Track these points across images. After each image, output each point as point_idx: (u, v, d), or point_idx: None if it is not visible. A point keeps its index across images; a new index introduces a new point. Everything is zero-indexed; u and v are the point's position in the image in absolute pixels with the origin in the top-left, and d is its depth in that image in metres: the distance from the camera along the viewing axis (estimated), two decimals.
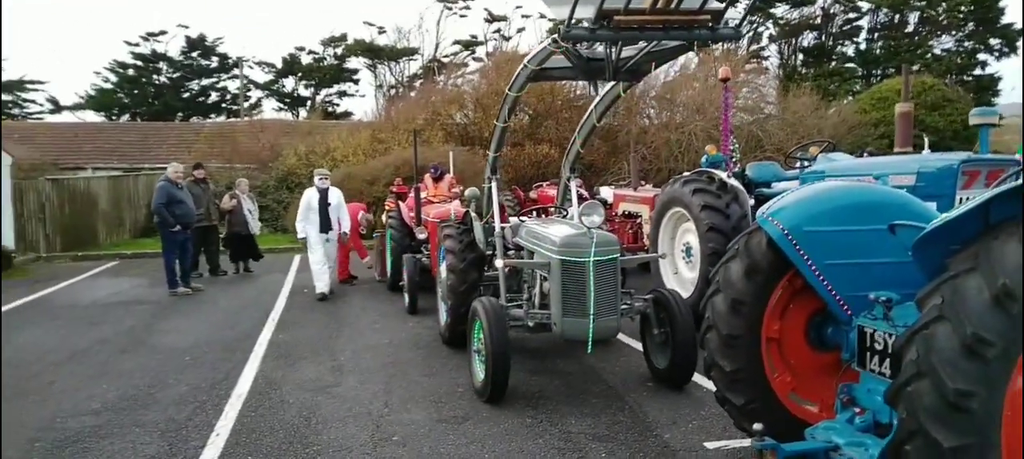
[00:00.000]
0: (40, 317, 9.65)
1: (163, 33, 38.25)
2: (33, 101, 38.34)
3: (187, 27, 40.19)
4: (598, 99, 6.42)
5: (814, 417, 4.10)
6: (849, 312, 3.85)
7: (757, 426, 3.53)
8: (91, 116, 37.93)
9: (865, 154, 10.09)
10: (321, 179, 10.78)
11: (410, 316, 9.06)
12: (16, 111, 37.88)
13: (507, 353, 5.44)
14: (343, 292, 11.06)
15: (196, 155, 25.80)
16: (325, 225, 10.62)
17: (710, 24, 4.45)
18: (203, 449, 4.81)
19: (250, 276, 13.16)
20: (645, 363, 6.29)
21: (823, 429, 3.68)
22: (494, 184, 7.18)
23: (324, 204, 10.64)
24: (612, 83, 6.08)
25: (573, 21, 4.28)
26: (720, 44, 35.83)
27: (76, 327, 8.85)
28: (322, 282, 10.47)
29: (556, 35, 4.60)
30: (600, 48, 5.01)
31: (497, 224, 7.00)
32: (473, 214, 7.43)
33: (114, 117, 38.08)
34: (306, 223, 10.63)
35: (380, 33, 37.46)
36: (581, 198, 12.16)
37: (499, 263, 6.08)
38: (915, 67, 29.35)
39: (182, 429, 5.19)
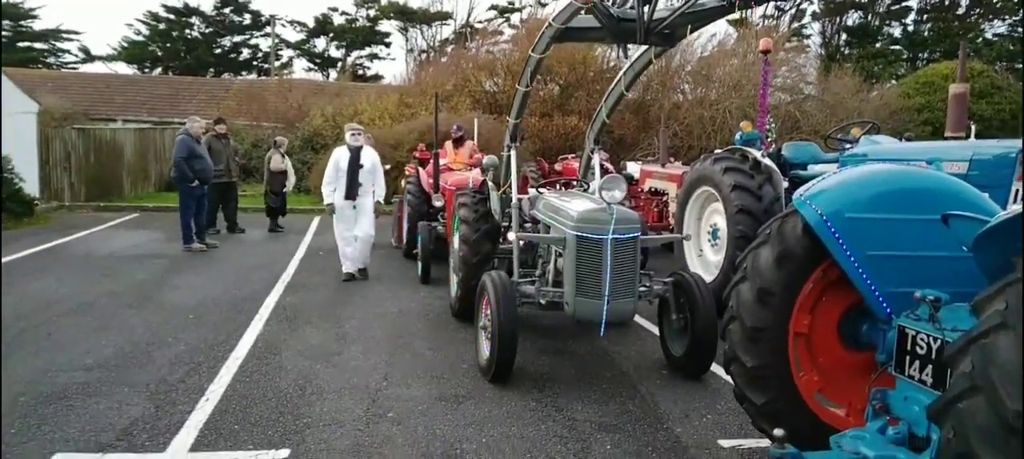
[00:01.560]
0: (54, 265, 9.56)
1: None
2: (68, 51, 38.66)
3: None
4: (628, 65, 6.01)
5: (841, 422, 3.73)
6: (889, 310, 3.45)
7: (778, 432, 3.18)
8: (123, 68, 38.15)
9: (903, 139, 9.54)
10: (353, 135, 8.94)
11: (422, 285, 8.80)
12: (51, 60, 38.23)
13: (515, 331, 5.13)
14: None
15: (225, 111, 25.77)
16: (352, 190, 8.82)
17: None
18: (190, 414, 4.59)
19: (273, 235, 13.05)
20: (661, 350, 5.95)
21: (851, 438, 3.32)
22: (513, 152, 6.83)
23: (354, 166, 8.78)
24: (644, 48, 5.67)
25: None
26: (761, 17, 34.85)
27: (88, 278, 8.74)
28: (349, 260, 9.00)
29: None
30: (632, 7, 4.60)
31: (515, 194, 6.66)
32: (490, 183, 7.11)
33: (146, 70, 38.24)
34: (333, 188, 8.93)
35: None
36: (606, 172, 11.79)
37: (512, 236, 5.75)
38: None
39: (172, 391, 4.98)
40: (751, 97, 22.37)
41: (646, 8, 4.49)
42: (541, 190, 6.74)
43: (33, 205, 14.47)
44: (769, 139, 9.83)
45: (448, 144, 11.60)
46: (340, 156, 8.90)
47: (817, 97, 24.88)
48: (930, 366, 3.13)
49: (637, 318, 7.07)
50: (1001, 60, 29.51)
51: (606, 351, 6.23)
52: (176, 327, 6.64)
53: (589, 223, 5.15)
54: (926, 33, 32.67)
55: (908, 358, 3.28)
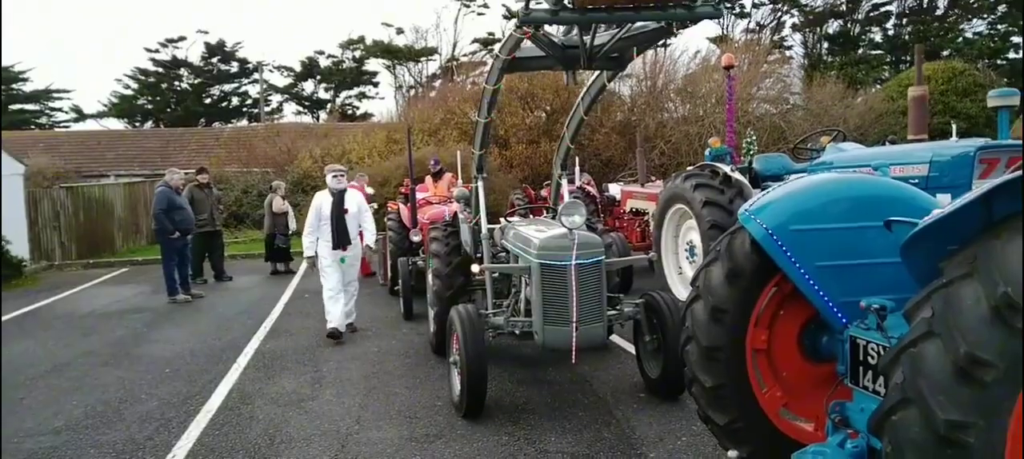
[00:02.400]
0: (34, 327, 9.51)
1: (182, 39, 38.63)
2: (60, 110, 38.92)
3: (206, 33, 40.63)
4: (584, 91, 6.02)
5: (808, 436, 3.66)
6: (845, 320, 3.40)
7: (732, 453, 3.12)
8: (114, 123, 38.39)
9: (887, 143, 9.53)
10: (335, 177, 8.00)
11: (405, 322, 8.74)
12: (43, 120, 38.47)
13: (483, 365, 5.06)
14: None
15: (215, 160, 25.91)
16: (340, 240, 7.84)
17: (686, 1, 4.02)
18: None
19: (262, 279, 13.04)
20: (639, 372, 5.88)
21: (811, 454, 3.24)
22: (481, 184, 6.81)
23: (339, 211, 7.82)
24: (597, 73, 5.68)
25: (532, 3, 3.89)
26: (743, 32, 35.13)
27: (66, 338, 8.68)
28: (334, 315, 7.83)
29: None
30: (574, 35, 4.62)
31: (484, 226, 6.64)
32: (461, 216, 7.08)
33: (137, 124, 38.47)
34: (316, 237, 7.95)
35: (398, 34, 37.42)
36: (589, 195, 11.78)
37: (475, 268, 5.71)
38: (945, 52, 28.35)
39: (139, 450, 4.91)
40: (738, 112, 22.45)
41: (586, 36, 4.50)
42: (509, 219, 6.71)
43: (21, 267, 14.46)
44: (750, 153, 9.83)
45: (428, 178, 11.61)
46: (322, 202, 7.94)
47: (802, 106, 24.99)
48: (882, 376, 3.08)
49: (617, 340, 7.02)
50: (982, 58, 29.65)
51: (584, 377, 6.16)
52: (151, 382, 6.58)
53: (551, 250, 5.12)
54: (906, 36, 32.88)
55: (862, 368, 3.23)
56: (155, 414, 5.66)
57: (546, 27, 4.64)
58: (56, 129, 36.57)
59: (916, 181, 5.38)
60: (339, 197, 7.91)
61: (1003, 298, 2.06)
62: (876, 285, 3.27)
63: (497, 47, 5.33)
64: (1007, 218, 2.21)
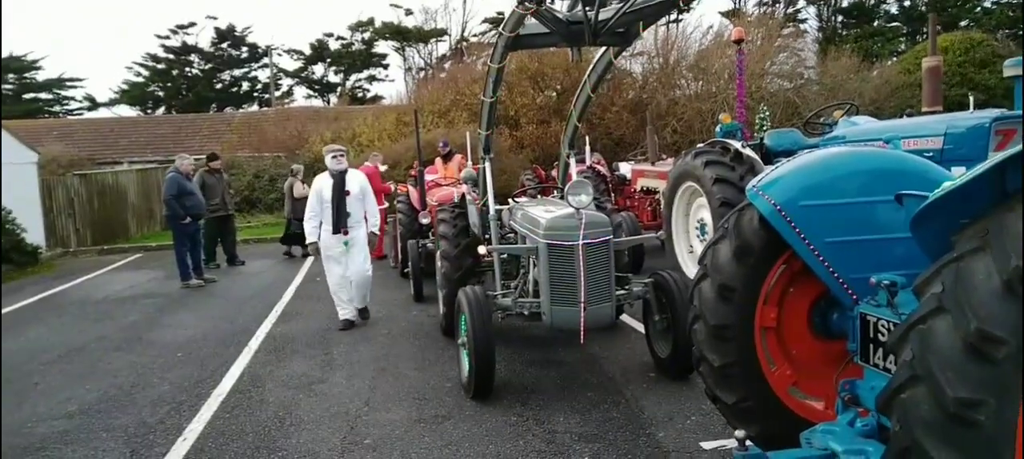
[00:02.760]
0: (49, 313, 9.60)
1: (192, 25, 38.71)
2: (73, 98, 39.16)
3: (216, 18, 40.72)
4: (590, 68, 5.94)
5: (818, 415, 3.61)
6: (855, 297, 3.34)
7: (739, 433, 3.07)
8: (127, 111, 38.59)
9: (904, 116, 9.38)
10: (335, 157, 7.61)
11: (415, 304, 8.75)
12: (57, 109, 38.74)
13: (491, 347, 5.05)
14: None
15: (226, 145, 26.01)
16: (339, 222, 7.45)
17: None
18: (165, 456, 4.55)
19: (275, 262, 13.11)
20: (648, 351, 5.84)
21: (821, 433, 3.19)
22: (488, 164, 6.75)
23: (339, 193, 7.42)
24: (602, 49, 5.60)
25: None
26: (755, 6, 34.61)
27: (79, 323, 8.76)
28: (345, 305, 7.64)
29: None
30: (579, 10, 4.54)
31: (492, 207, 6.59)
32: (469, 197, 7.05)
33: (149, 110, 38.65)
34: (319, 221, 7.57)
35: (407, 15, 37.28)
36: (599, 175, 11.70)
37: (482, 250, 5.68)
38: (963, 22, 27.82)
39: (150, 433, 4.94)
40: (751, 87, 22.20)
41: (590, 10, 4.42)
42: (517, 200, 6.67)
43: (37, 254, 14.60)
44: (764, 128, 9.71)
45: (438, 160, 11.57)
46: (322, 184, 7.55)
47: (817, 81, 24.68)
48: (891, 353, 3.02)
49: (627, 319, 6.98)
50: (1001, 28, 29.10)
51: (594, 357, 6.14)
52: (163, 366, 6.62)
53: (558, 230, 5.08)
54: (923, 7, 32.31)
55: (872, 346, 3.17)
56: (167, 397, 5.70)
57: (550, 2, 4.57)
58: (69, 118, 36.80)
59: (930, 154, 5.27)
60: (340, 178, 7.50)
61: (1016, 272, 1.99)
62: (887, 261, 3.20)
63: (502, 25, 5.26)
64: (1021, 190, 2.14)
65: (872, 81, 23.16)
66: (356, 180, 7.71)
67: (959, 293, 2.14)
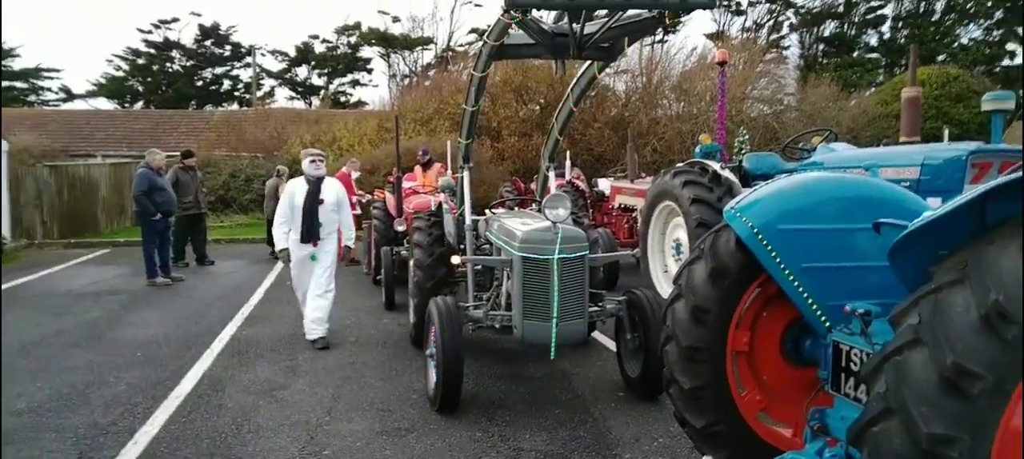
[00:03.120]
0: (8, 306, 9.29)
1: (175, 20, 38.18)
2: (49, 88, 38.48)
3: (200, 15, 40.21)
4: (574, 82, 5.88)
5: (786, 442, 3.56)
6: (828, 324, 3.28)
7: (707, 458, 3.00)
8: (104, 104, 37.99)
9: (882, 145, 9.45)
10: (313, 162, 7.02)
11: (386, 312, 8.61)
12: (33, 98, 38.04)
13: (460, 360, 4.93)
14: None
15: (204, 143, 25.65)
16: (309, 233, 6.89)
17: None
18: None
19: (243, 264, 12.88)
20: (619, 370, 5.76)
21: None
22: (466, 174, 6.66)
23: (313, 202, 6.89)
24: (586, 63, 5.55)
25: None
26: (740, 31, 35.03)
27: (39, 318, 8.49)
28: (315, 323, 7.01)
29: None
30: (564, 23, 4.48)
31: (468, 217, 6.49)
32: (446, 205, 6.95)
33: (127, 105, 38.07)
34: (288, 229, 7.00)
35: (394, 21, 37.19)
36: (578, 190, 11.66)
37: (456, 260, 5.58)
38: (941, 57, 28.32)
39: (101, 435, 4.75)
40: (731, 110, 22.37)
41: (576, 24, 4.36)
42: (494, 211, 6.58)
43: (1, 245, 14.21)
44: (742, 151, 9.71)
45: (417, 167, 11.47)
46: (296, 189, 6.99)
47: (796, 107, 24.95)
48: (864, 384, 2.96)
49: (599, 336, 6.90)
50: (977, 64, 29.65)
51: (565, 373, 6.04)
52: (120, 366, 6.41)
53: (534, 243, 4.99)
54: (902, 40, 32.84)
55: (843, 375, 3.12)
56: (122, 398, 5.51)
57: (535, 13, 4.50)
58: (44, 108, 36.14)
59: (907, 184, 5.26)
60: (315, 185, 6.94)
61: (994, 306, 1.94)
62: (862, 289, 3.15)
63: (486, 33, 5.18)
64: (1001, 223, 2.09)
65: (850, 110, 23.46)
66: (332, 189, 7.13)
67: (936, 325, 2.08)
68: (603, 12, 4.35)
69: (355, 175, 12.78)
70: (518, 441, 4.59)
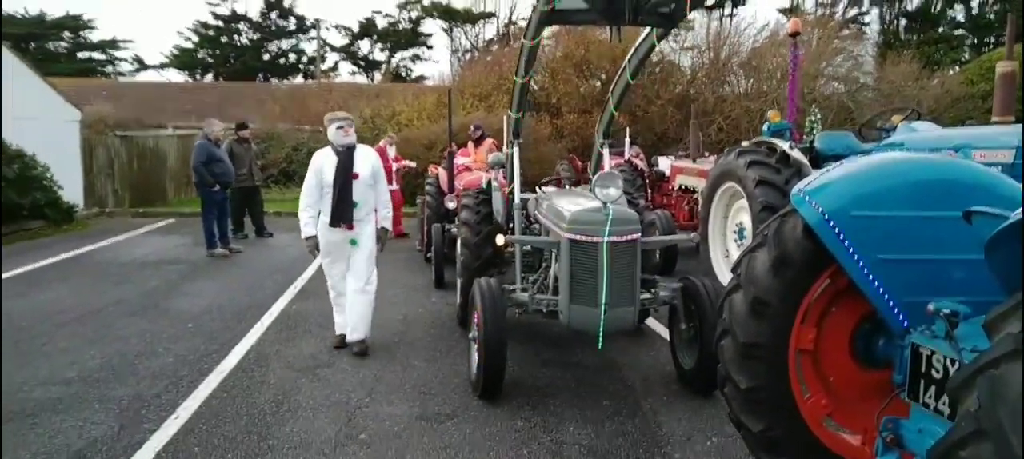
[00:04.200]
0: (74, 273, 9.58)
1: None
2: (124, 59, 39.89)
3: None
4: (632, 51, 5.55)
5: (854, 451, 3.24)
6: (906, 324, 2.93)
7: None
8: (175, 75, 39.15)
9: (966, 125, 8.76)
10: (340, 127, 5.86)
11: (435, 290, 8.48)
12: (109, 69, 39.51)
13: (503, 345, 4.72)
14: (378, 260, 10.52)
15: (268, 115, 26.09)
16: (341, 213, 5.77)
17: None
18: (153, 433, 4.34)
19: (297, 238, 12.91)
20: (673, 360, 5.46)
21: None
22: (516, 150, 6.41)
23: (345, 175, 5.75)
24: (645, 31, 5.21)
25: None
26: (816, 4, 33.46)
27: (100, 285, 8.69)
28: (357, 322, 6.03)
29: None
30: None
31: (517, 195, 6.26)
32: (495, 184, 6.72)
33: (197, 77, 39.14)
34: (317, 211, 5.91)
35: None
36: (636, 169, 11.27)
37: (500, 240, 5.36)
38: None
39: (144, 407, 4.75)
40: (804, 87, 21.42)
41: None
42: (544, 189, 6.33)
43: (73, 212, 14.73)
44: (815, 130, 9.18)
45: (470, 144, 11.29)
46: (323, 162, 5.85)
47: (873, 86, 23.75)
48: (949, 397, 2.61)
49: (653, 324, 6.61)
50: None
51: (615, 362, 5.78)
52: (171, 337, 6.46)
53: (583, 224, 4.72)
54: (991, 15, 30.83)
55: (923, 382, 2.77)
56: (168, 371, 5.52)
57: None
58: (120, 79, 37.48)
59: (1000, 167, 4.77)
60: (347, 156, 5.81)
61: None
62: (948, 286, 2.81)
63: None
64: None
65: (932, 89, 22.17)
66: (367, 160, 5.98)
67: None
68: None
69: (392, 149, 12.69)
70: (561, 433, 4.36)
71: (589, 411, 4.73)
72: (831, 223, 2.96)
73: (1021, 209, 2.03)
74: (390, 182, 12.60)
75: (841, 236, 2.94)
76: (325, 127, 6.06)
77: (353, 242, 5.98)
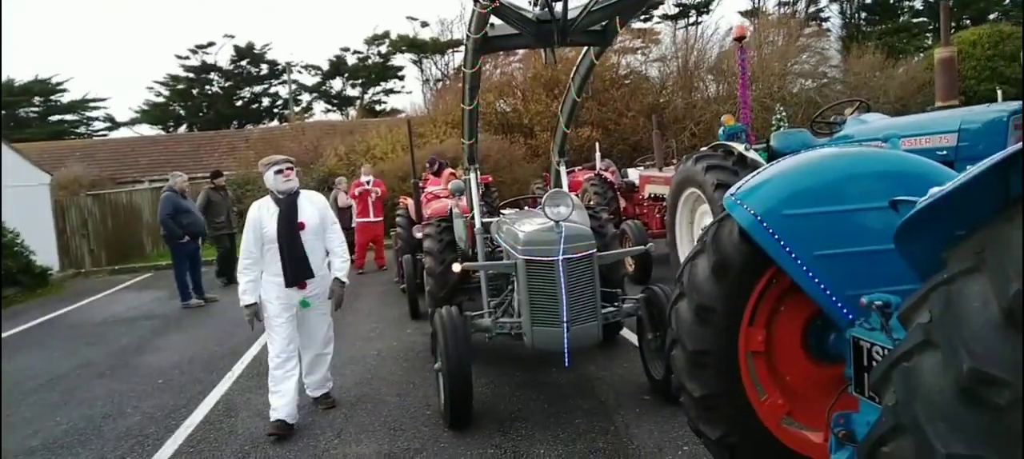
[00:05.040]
0: (45, 337, 9.46)
1: (211, 44, 38.96)
2: (96, 118, 39.71)
3: (234, 37, 40.84)
4: (574, 69, 5.58)
5: (817, 449, 3.20)
6: (851, 317, 2.93)
7: None
8: (148, 130, 39.02)
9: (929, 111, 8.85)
10: (279, 172, 5.08)
11: (411, 322, 8.42)
12: (82, 130, 39.30)
13: (467, 373, 4.68)
14: (357, 294, 10.48)
15: (243, 161, 26.01)
16: (297, 272, 5.03)
17: None
18: None
19: None
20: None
21: None
22: (473, 176, 6.41)
23: (290, 226, 5.01)
24: (584, 49, 5.24)
25: None
26: (776, 5, 33.91)
27: (70, 348, 8.57)
28: (317, 381, 5.51)
29: None
30: (545, 8, 4.19)
31: (478, 220, 6.25)
32: (456, 210, 6.71)
33: (171, 129, 39.03)
34: (258, 272, 5.11)
35: (423, 26, 37.24)
36: (606, 182, 11.31)
37: (456, 267, 5.34)
38: (992, 16, 26.91)
39: None
40: (772, 87, 21.65)
41: (558, 6, 4.07)
42: (503, 212, 6.32)
43: (47, 275, 14.57)
44: (781, 128, 9.26)
45: (430, 176, 11.37)
46: (262, 214, 5.06)
47: (840, 80, 24.06)
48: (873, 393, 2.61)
49: (628, 334, 6.58)
50: None
51: (588, 377, 5.74)
52: (140, 394, 6.36)
53: (537, 245, 4.71)
54: (950, 0, 31.35)
55: (867, 375, 2.76)
56: (135, 430, 5.42)
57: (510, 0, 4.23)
58: (93, 138, 37.28)
59: (944, 153, 4.82)
60: (289, 204, 5.07)
61: (1017, 298, 1.59)
62: (885, 276, 2.80)
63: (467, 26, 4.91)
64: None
65: (898, 78, 22.48)
66: (313, 205, 5.24)
67: (950, 323, 1.74)
68: None
69: (366, 179, 12.69)
70: (533, 456, 4.32)
71: (561, 431, 4.68)
72: (764, 224, 2.95)
73: (928, 196, 2.03)
74: (379, 215, 12.61)
75: (775, 236, 2.94)
76: (261, 173, 5.27)
77: (304, 303, 5.16)
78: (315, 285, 5.20)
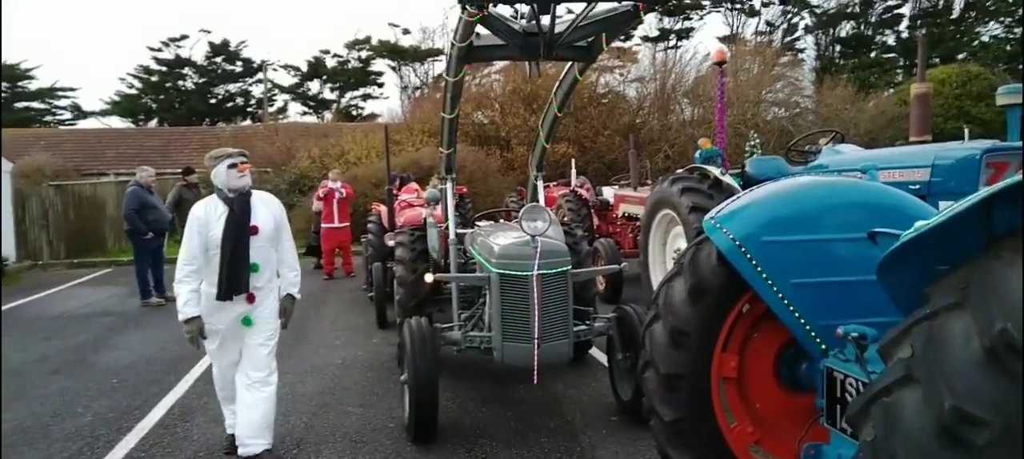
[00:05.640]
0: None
1: (185, 38, 38.38)
2: (64, 109, 38.87)
3: (209, 32, 40.14)
4: (556, 84, 5.55)
5: None
6: (825, 347, 2.92)
7: None
8: (118, 122, 38.27)
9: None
10: (233, 166, 4.32)
11: (378, 331, 8.29)
12: (49, 118, 38.42)
13: (434, 386, 4.58)
14: (323, 300, 10.32)
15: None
16: (234, 281, 4.25)
17: None
18: None
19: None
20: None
21: None
22: (449, 185, 6.33)
23: (240, 231, 4.27)
24: (567, 64, 5.21)
25: None
26: (754, 34, 34.49)
27: (25, 342, 8.27)
28: (254, 430, 4.39)
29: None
30: (546, 20, 4.16)
31: (452, 231, 6.16)
32: (430, 220, 6.63)
33: (141, 122, 38.34)
34: (199, 281, 4.30)
35: (404, 34, 37.10)
36: (581, 199, 11.30)
37: (429, 278, 5.25)
38: (961, 55, 27.60)
39: None
40: (746, 114, 21.93)
41: (545, 19, 4.05)
42: (478, 224, 6.25)
43: (2, 266, 14.12)
44: (755, 155, 9.32)
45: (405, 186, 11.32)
46: (208, 215, 4.31)
47: (812, 110, 24.45)
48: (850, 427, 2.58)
49: (597, 353, 6.55)
50: (999, 61, 28.90)
51: (556, 395, 5.68)
52: (94, 394, 6.15)
53: (511, 259, 4.65)
54: (917, 36, 32.16)
55: (839, 407, 2.74)
56: (85, 431, 5.23)
57: (502, 10, 4.19)
58: (59, 128, 36.47)
59: (917, 187, 4.87)
60: (242, 205, 4.34)
61: (1000, 336, 1.57)
62: (860, 307, 2.79)
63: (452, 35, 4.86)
64: (1011, 233, 1.73)
65: (868, 111, 22.92)
66: (268, 208, 4.50)
67: (932, 360, 1.71)
68: (569, 8, 4.04)
69: (335, 184, 12.55)
70: None
71: (526, 450, 4.61)
72: (743, 249, 2.93)
73: (912, 230, 2.02)
74: (344, 220, 12.45)
75: (753, 262, 2.92)
76: (209, 167, 4.42)
77: (246, 321, 4.39)
78: (260, 300, 4.40)
